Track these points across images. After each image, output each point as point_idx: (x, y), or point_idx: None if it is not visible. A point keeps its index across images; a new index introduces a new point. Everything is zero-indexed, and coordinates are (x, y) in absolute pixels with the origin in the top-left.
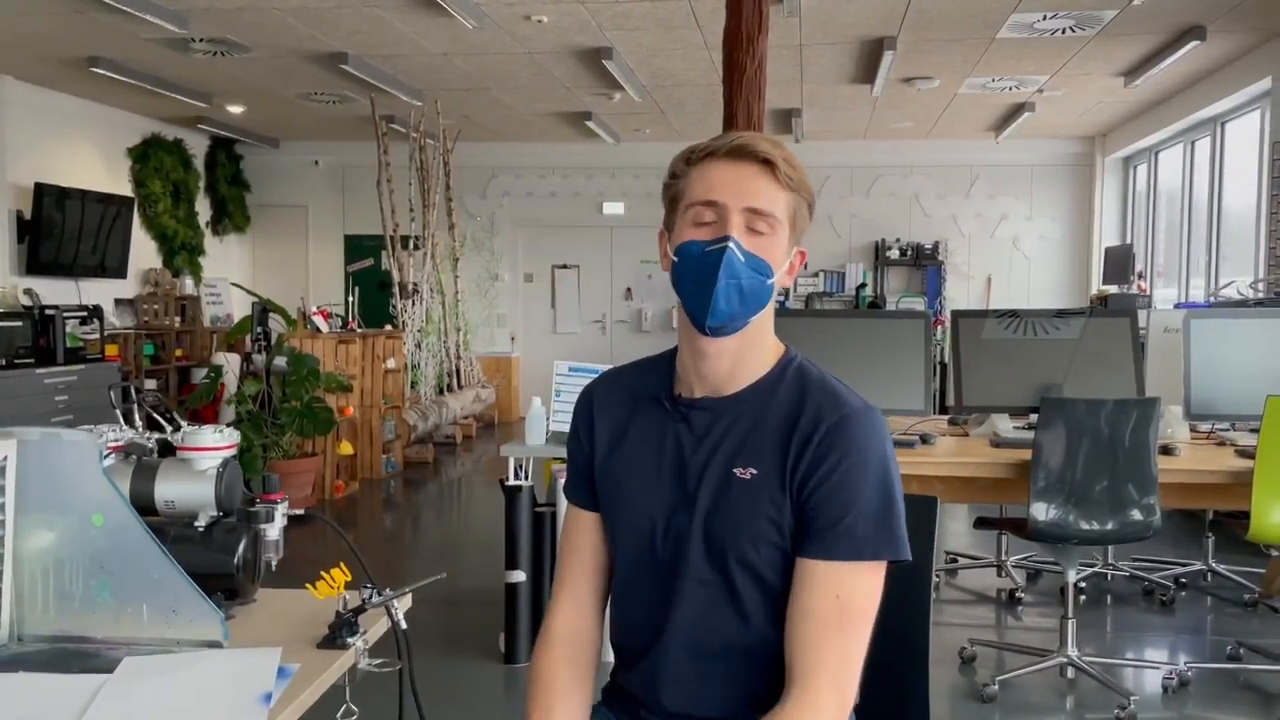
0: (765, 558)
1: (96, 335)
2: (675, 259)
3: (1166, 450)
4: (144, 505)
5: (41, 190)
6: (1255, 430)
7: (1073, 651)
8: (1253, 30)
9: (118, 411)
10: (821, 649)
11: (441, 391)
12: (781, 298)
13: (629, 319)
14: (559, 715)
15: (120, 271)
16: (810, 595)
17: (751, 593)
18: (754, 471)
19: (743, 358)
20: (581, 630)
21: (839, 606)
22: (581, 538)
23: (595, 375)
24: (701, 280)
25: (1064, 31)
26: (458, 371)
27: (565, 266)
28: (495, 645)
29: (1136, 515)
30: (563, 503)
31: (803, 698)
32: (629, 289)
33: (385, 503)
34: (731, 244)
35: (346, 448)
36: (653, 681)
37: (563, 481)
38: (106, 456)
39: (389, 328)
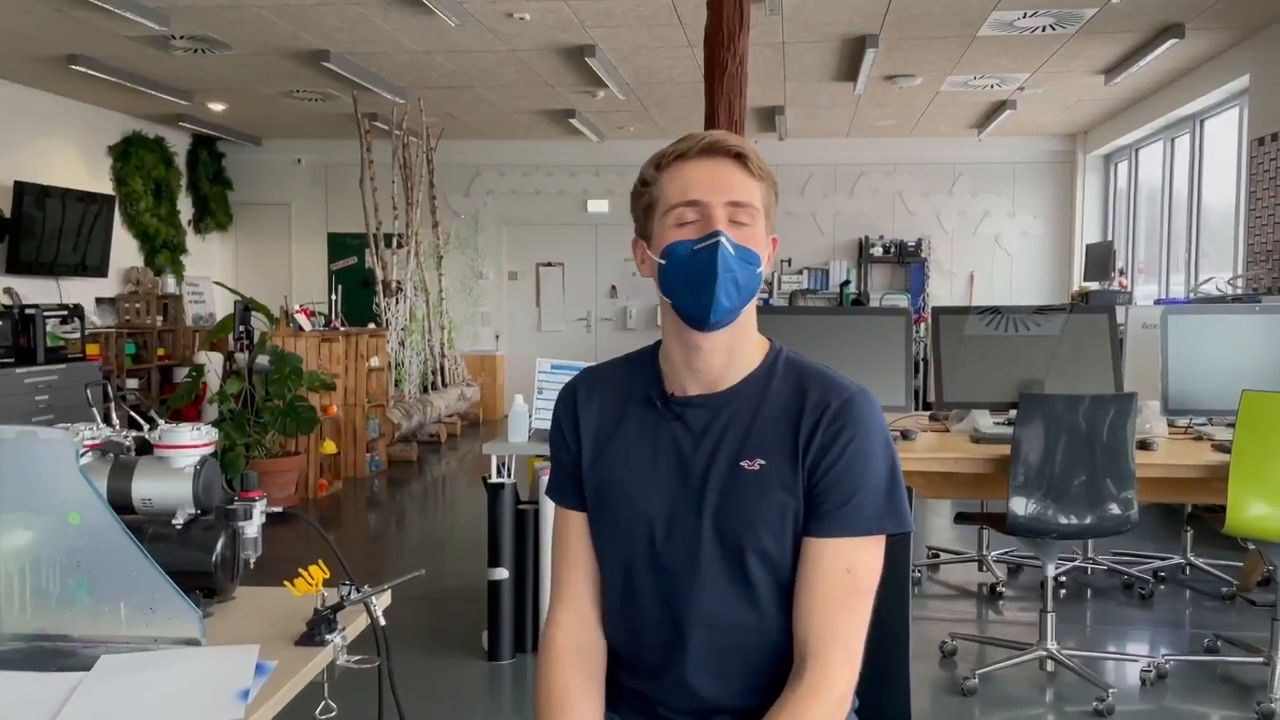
0: (782, 545)
1: (77, 334)
2: (663, 261)
3: (1144, 445)
4: (121, 503)
5: (21, 188)
6: (1231, 425)
7: (1052, 645)
8: (1230, 28)
9: (94, 410)
10: (834, 623)
11: (426, 390)
12: (765, 295)
13: (614, 316)
14: None
15: (101, 270)
16: (821, 572)
17: (765, 581)
18: (762, 462)
19: (736, 350)
20: (587, 639)
21: (849, 581)
22: (575, 541)
23: (577, 372)
24: (697, 279)
25: (1044, 30)
26: (442, 370)
27: (550, 264)
28: (478, 643)
29: (1114, 509)
30: (546, 500)
31: (818, 670)
32: (614, 286)
33: (369, 501)
34: (723, 239)
35: (330, 446)
36: (671, 682)
37: (545, 480)
38: (83, 455)
39: (372, 326)
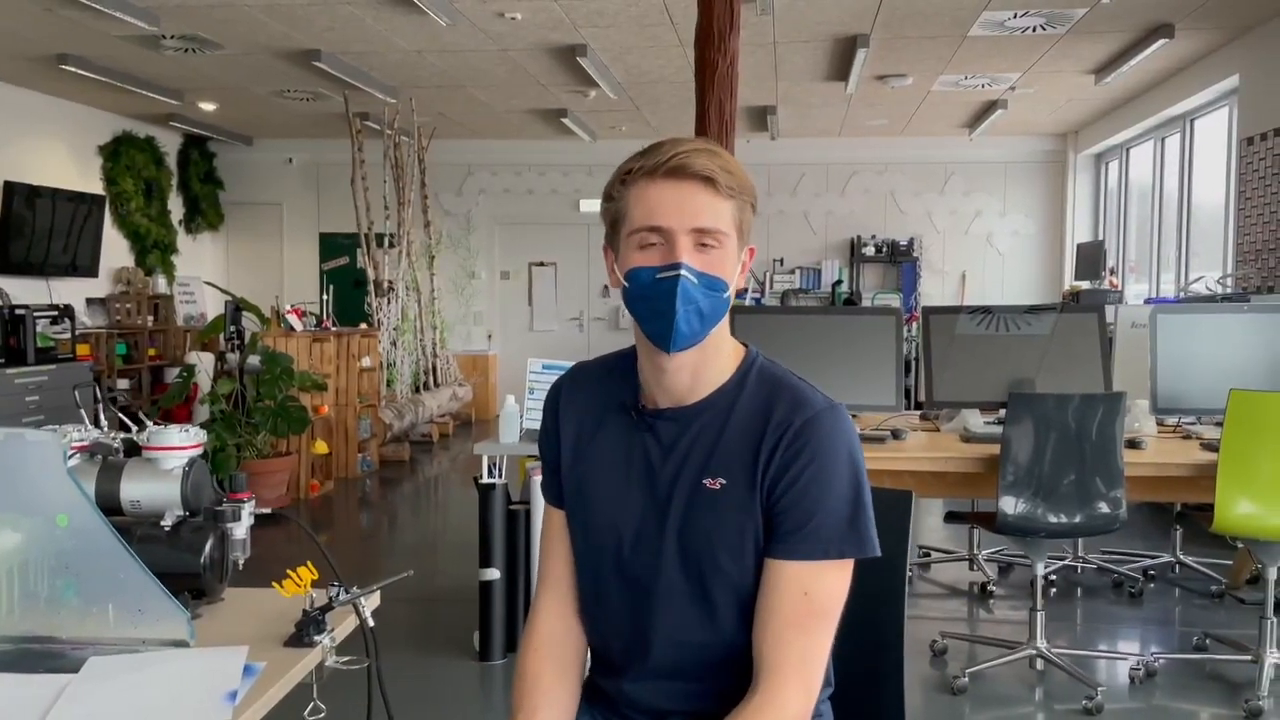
0: (743, 565)
1: (68, 335)
2: (627, 284)
3: (1133, 444)
4: (109, 505)
5: (11, 188)
6: (1220, 423)
7: (1042, 643)
8: (1220, 28)
9: (82, 411)
10: (788, 645)
11: (418, 390)
12: (757, 295)
13: (606, 316)
14: (542, 716)
15: (92, 270)
16: (777, 593)
17: (725, 600)
18: (723, 482)
19: (702, 367)
20: (565, 629)
21: (806, 604)
22: (558, 535)
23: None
24: (658, 308)
25: (1034, 30)
26: (434, 370)
27: (542, 264)
28: (470, 643)
29: (1103, 508)
30: (537, 500)
31: (769, 692)
32: (606, 286)
33: (360, 502)
34: (684, 271)
35: (321, 447)
36: (629, 684)
37: (538, 479)
38: (71, 456)
39: (364, 326)
